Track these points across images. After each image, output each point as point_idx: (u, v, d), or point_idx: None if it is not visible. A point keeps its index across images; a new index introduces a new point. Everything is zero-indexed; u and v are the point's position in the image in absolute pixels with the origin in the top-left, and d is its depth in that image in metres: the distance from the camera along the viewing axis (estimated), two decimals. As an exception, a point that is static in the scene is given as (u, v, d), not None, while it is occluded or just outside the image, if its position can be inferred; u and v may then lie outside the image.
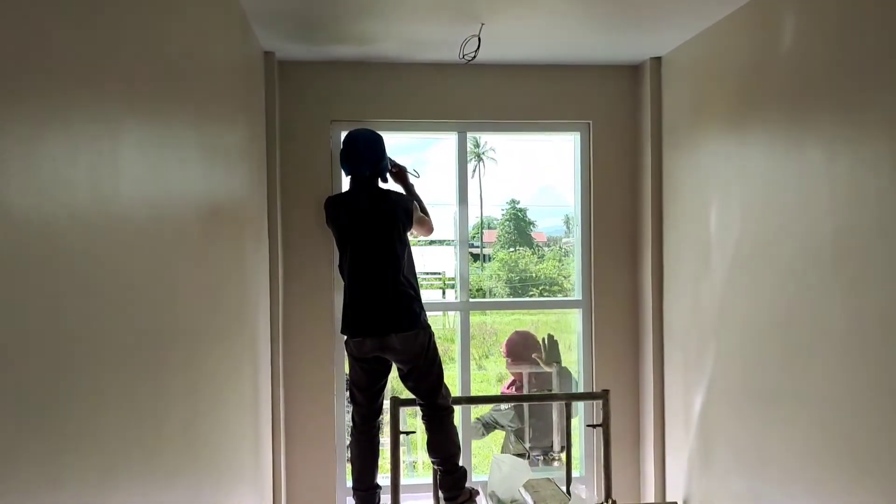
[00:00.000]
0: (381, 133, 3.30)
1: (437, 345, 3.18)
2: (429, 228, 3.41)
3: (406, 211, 3.14)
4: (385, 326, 3.00)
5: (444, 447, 3.13)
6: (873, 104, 2.04)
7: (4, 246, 0.89)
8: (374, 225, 3.07)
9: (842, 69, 2.19)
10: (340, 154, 3.20)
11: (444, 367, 3.19)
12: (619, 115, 3.79)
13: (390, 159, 3.34)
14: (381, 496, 3.29)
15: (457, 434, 3.21)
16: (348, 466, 3.58)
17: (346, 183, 3.47)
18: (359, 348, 3.07)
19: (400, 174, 3.41)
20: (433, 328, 3.14)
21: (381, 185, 3.24)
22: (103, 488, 1.21)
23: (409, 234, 3.22)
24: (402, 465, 3.24)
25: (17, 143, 0.93)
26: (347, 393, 3.34)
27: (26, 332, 0.95)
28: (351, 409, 3.29)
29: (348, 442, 3.54)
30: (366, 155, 3.14)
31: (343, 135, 3.70)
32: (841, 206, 2.18)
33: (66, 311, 1.07)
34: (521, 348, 4.49)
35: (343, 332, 3.13)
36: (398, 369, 3.14)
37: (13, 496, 0.90)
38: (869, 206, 2.05)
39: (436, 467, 3.21)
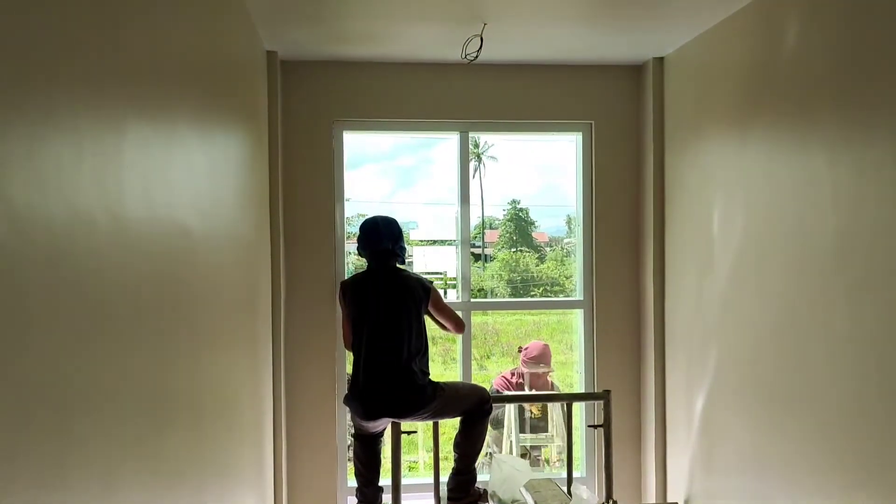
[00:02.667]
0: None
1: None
2: (456, 321, 3.31)
3: (425, 288, 3.14)
4: (390, 413, 3.04)
5: (464, 445, 3.16)
6: (876, 105, 2.03)
7: (7, 244, 0.89)
8: (393, 303, 3.07)
9: (844, 70, 2.18)
10: (358, 239, 3.20)
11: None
12: (621, 116, 3.78)
13: None
14: (383, 497, 3.28)
15: (483, 438, 3.22)
16: (349, 467, 3.58)
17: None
18: (369, 426, 3.12)
19: None
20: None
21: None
22: (107, 489, 1.21)
23: (429, 316, 3.23)
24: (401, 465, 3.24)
25: (21, 142, 0.93)
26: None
27: (29, 332, 0.95)
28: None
29: (349, 442, 3.55)
30: (385, 231, 3.15)
31: (345, 134, 3.73)
32: (843, 207, 2.18)
33: (69, 311, 1.07)
34: (545, 356, 4.57)
35: (350, 411, 3.15)
36: None
37: (17, 497, 0.90)
38: (871, 207, 2.05)
39: (454, 462, 3.22)
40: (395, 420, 3.07)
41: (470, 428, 3.14)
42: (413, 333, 3.05)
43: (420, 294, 3.11)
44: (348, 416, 3.41)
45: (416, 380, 3.01)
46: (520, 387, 4.51)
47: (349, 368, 3.48)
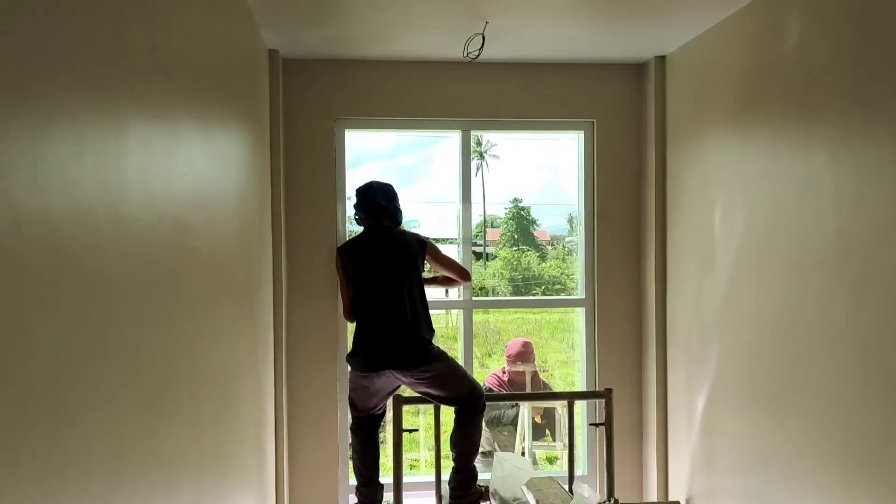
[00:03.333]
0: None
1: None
2: (459, 270, 3.38)
3: (421, 243, 3.19)
4: (392, 363, 3.03)
5: (462, 444, 3.16)
6: (878, 104, 2.03)
7: (9, 242, 0.89)
8: (391, 261, 3.11)
9: (847, 69, 2.18)
10: (355, 205, 3.26)
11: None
12: (623, 114, 3.78)
13: None
14: (384, 494, 3.29)
15: (479, 435, 3.22)
16: (350, 464, 3.58)
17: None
18: (371, 383, 3.11)
19: None
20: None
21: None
22: (108, 486, 1.21)
23: (430, 271, 3.27)
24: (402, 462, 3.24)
25: (23, 140, 0.93)
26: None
27: (30, 329, 0.95)
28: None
29: (351, 440, 3.55)
30: (379, 190, 3.22)
31: (347, 133, 3.73)
32: (845, 205, 2.18)
33: (70, 309, 1.08)
34: (525, 354, 4.57)
35: (352, 367, 3.15)
36: None
37: (17, 494, 0.90)
38: (873, 206, 2.05)
39: (452, 461, 3.22)
40: (397, 373, 3.03)
41: (465, 426, 3.14)
42: (414, 288, 3.10)
43: (416, 249, 3.17)
44: (349, 415, 3.41)
45: (421, 332, 3.05)
46: (512, 384, 4.51)
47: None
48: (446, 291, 3.60)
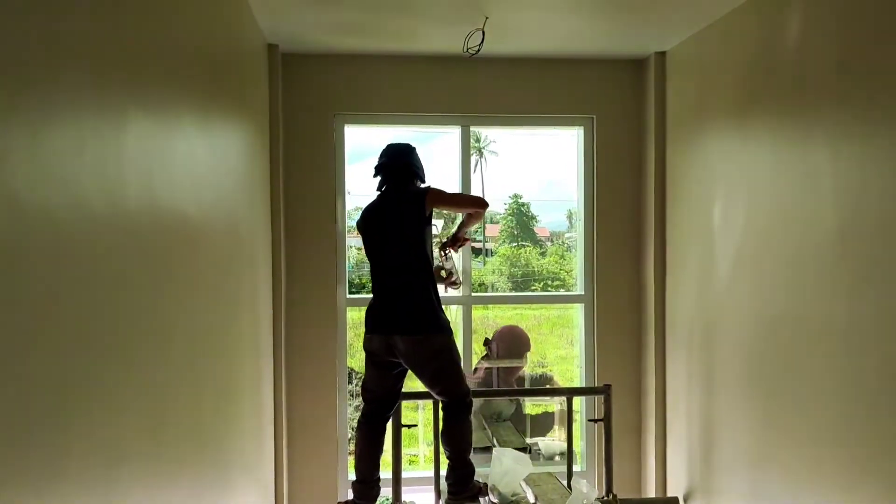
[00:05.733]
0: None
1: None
2: (473, 201, 3.22)
3: (417, 195, 3.01)
4: (392, 327, 2.98)
5: (453, 441, 3.12)
6: (878, 100, 2.03)
7: (10, 236, 0.89)
8: (392, 222, 3.02)
9: (846, 63, 2.18)
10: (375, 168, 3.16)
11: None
12: (623, 110, 3.78)
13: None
14: (381, 488, 3.28)
15: (470, 431, 3.19)
16: (350, 459, 3.58)
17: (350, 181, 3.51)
18: (369, 344, 3.07)
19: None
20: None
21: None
22: (108, 480, 1.21)
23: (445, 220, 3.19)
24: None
25: (23, 135, 0.93)
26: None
27: (30, 322, 0.95)
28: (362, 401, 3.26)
29: (350, 435, 3.55)
30: (389, 153, 3.12)
31: (346, 128, 3.73)
32: (845, 202, 2.18)
33: (69, 302, 1.07)
34: (513, 344, 4.50)
35: (365, 330, 3.12)
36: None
37: (19, 487, 0.90)
38: (873, 201, 2.05)
39: (447, 458, 3.20)
40: (401, 339, 2.95)
41: (457, 424, 3.10)
42: (416, 249, 2.97)
43: (415, 205, 2.97)
44: (351, 407, 3.40)
45: (424, 296, 2.95)
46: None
47: (350, 361, 3.49)
48: (445, 287, 3.54)
